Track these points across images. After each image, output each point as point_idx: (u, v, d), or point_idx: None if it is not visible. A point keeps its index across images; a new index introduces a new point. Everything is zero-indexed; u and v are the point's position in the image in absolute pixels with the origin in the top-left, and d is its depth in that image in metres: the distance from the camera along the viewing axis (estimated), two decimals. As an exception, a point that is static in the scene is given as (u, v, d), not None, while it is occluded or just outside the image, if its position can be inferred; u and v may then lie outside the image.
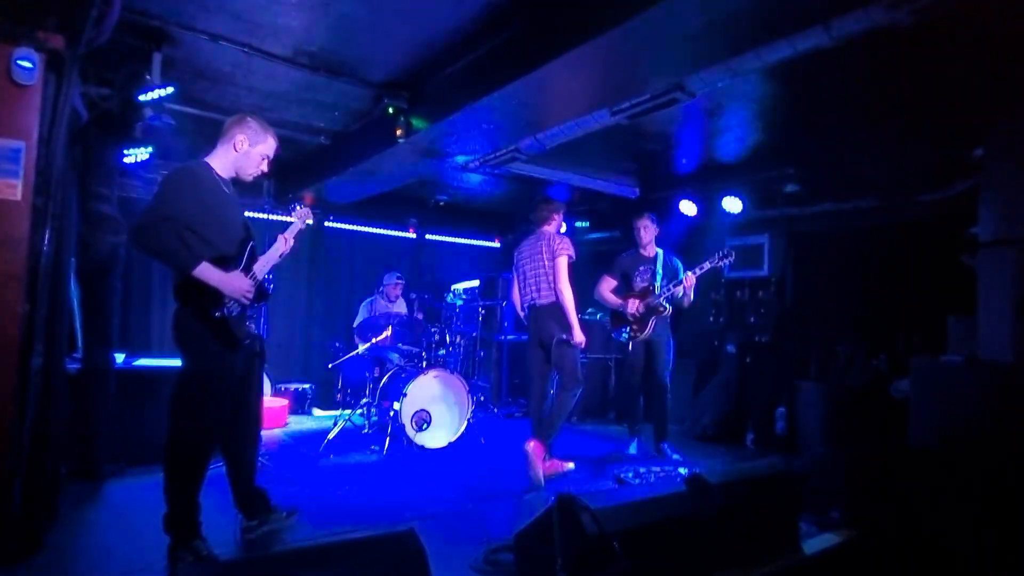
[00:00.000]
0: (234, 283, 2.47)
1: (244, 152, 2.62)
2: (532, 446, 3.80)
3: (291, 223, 2.91)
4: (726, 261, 4.38)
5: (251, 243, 2.66)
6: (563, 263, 3.92)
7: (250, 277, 2.58)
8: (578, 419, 6.29)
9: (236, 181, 2.70)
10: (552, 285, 3.92)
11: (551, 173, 5.60)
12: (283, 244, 2.78)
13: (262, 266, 2.67)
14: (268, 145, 2.70)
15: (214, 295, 2.44)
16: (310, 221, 2.96)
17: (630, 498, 2.13)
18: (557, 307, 3.91)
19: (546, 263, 3.95)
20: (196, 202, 2.44)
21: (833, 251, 5.36)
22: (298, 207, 2.92)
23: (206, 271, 2.38)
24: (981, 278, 3.44)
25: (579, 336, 3.90)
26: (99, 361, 3.72)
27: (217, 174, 2.59)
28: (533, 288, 4.03)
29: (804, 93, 3.71)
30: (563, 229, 4.31)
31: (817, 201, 5.25)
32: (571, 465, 4.11)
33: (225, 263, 2.49)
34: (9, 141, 2.36)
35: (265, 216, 6.13)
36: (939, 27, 2.67)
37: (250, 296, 2.53)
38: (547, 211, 4.12)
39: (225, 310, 2.49)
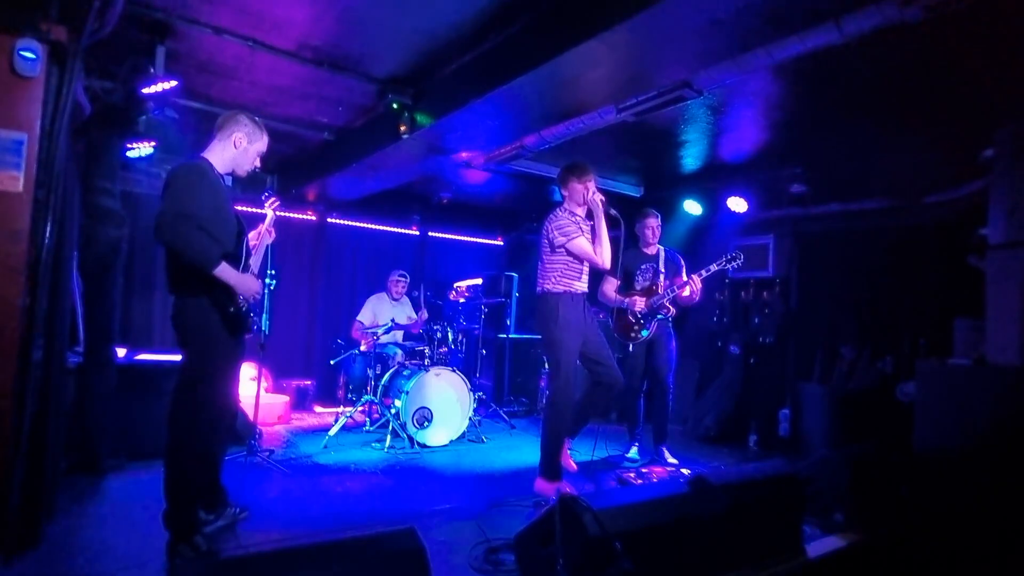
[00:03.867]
0: (249, 284, 2.54)
1: (243, 150, 2.70)
2: (539, 483, 3.45)
3: (264, 215, 3.01)
4: (733, 264, 4.24)
5: (245, 237, 2.71)
6: (578, 245, 3.41)
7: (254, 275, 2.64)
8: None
9: (232, 176, 2.79)
10: (542, 275, 3.51)
11: (555, 171, 5.56)
12: (269, 237, 2.86)
13: (256, 260, 2.74)
14: (263, 143, 2.78)
15: (229, 291, 2.49)
16: (276, 206, 3.08)
17: (632, 499, 2.11)
18: (544, 298, 3.50)
19: (545, 249, 3.56)
20: (206, 199, 2.48)
21: (839, 252, 5.32)
22: (268, 196, 3.03)
23: (225, 271, 2.44)
24: (990, 280, 3.40)
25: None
26: (101, 355, 3.72)
27: (216, 171, 2.64)
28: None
29: (812, 92, 3.67)
30: (592, 195, 3.55)
31: (823, 202, 5.23)
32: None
33: (230, 259, 2.53)
34: (11, 133, 2.35)
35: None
36: (950, 25, 2.63)
37: (260, 296, 2.60)
38: (562, 175, 3.64)
39: (238, 306, 2.56)
